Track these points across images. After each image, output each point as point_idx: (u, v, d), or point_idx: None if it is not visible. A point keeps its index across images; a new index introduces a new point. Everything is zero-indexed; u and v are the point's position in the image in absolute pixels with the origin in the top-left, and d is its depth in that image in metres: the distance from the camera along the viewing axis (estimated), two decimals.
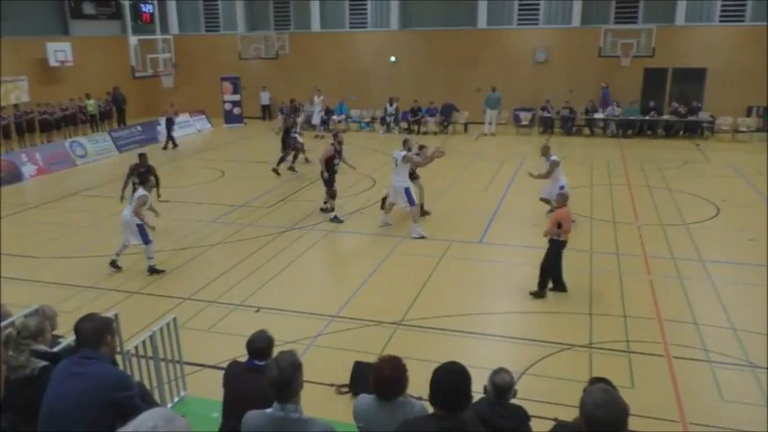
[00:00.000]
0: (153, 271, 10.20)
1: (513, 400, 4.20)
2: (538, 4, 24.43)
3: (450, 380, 3.11)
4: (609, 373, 5.07)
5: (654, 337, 7.80)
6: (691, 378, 6.93)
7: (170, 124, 21.61)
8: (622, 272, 9.92)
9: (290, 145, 17.18)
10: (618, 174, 16.61)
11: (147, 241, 10.11)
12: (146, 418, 1.60)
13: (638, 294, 9.07)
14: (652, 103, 22.43)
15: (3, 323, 5.24)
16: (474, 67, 24.56)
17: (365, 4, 26.17)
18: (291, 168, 17.24)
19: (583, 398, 2.80)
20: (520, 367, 6.98)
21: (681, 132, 22.15)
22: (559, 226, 8.78)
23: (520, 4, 24.58)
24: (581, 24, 23.79)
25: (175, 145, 21.63)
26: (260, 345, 4.26)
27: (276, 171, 16.85)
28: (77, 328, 3.75)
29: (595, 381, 3.88)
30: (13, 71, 21.61)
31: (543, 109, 23.33)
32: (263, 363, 4.18)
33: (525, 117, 23.70)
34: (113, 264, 10.35)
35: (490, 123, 22.89)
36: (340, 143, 13.05)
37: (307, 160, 17.87)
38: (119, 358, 5.03)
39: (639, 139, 22.03)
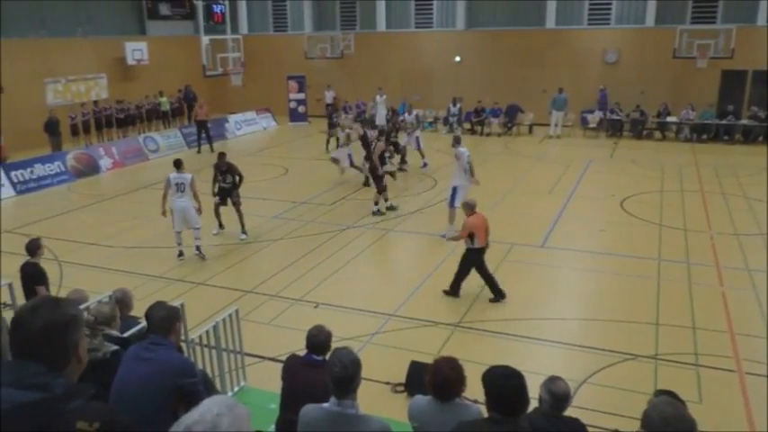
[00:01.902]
0: (201, 251, 10.81)
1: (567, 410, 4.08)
2: (610, 4, 23.74)
3: (510, 383, 3.07)
4: (675, 386, 4.86)
5: (725, 350, 7.45)
6: (764, 395, 6.56)
7: (202, 128, 20.75)
8: (693, 282, 9.51)
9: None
10: (690, 180, 15.93)
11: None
12: (210, 406, 1.63)
13: (709, 306, 8.67)
14: (730, 107, 21.38)
15: (87, 304, 5.54)
16: (541, 68, 24.10)
17: (431, 4, 26.12)
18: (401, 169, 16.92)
19: (648, 411, 2.70)
20: (580, 376, 6.80)
21: (760, 138, 21.00)
22: (471, 236, 8.60)
23: (591, 4, 23.95)
24: (655, 24, 22.96)
25: (212, 148, 20.01)
26: (320, 340, 4.32)
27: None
28: (148, 315, 3.92)
29: (661, 393, 3.73)
30: (94, 69, 22.74)
31: (612, 111, 22.64)
32: (320, 358, 4.24)
33: (593, 119, 23.06)
34: (198, 249, 10.89)
35: (556, 125, 22.37)
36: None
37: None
38: (183, 346, 5.21)
39: (715, 144, 21.05)
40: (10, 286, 6.03)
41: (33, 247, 7.35)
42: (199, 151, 20.65)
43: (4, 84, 20.25)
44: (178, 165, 10.75)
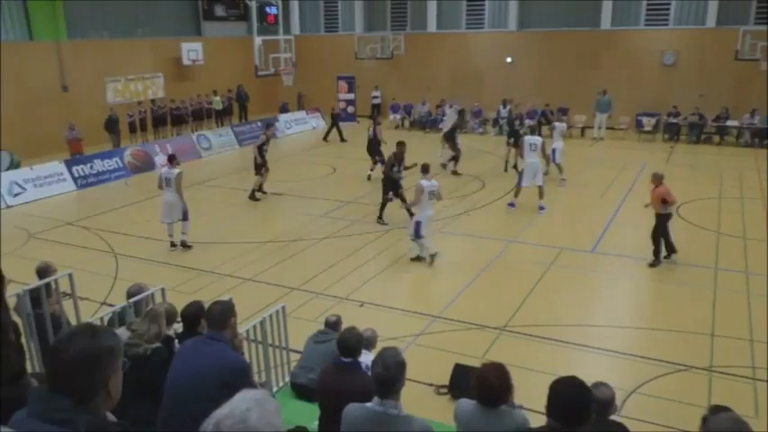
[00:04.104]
0: (185, 246, 11.35)
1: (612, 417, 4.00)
2: (668, 4, 23.02)
3: (576, 394, 3.06)
4: (730, 399, 4.69)
5: None
6: None
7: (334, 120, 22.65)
8: (751, 292, 9.12)
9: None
10: (751, 186, 15.30)
11: (186, 218, 11.28)
12: (240, 401, 1.65)
13: None
14: None
15: (140, 296, 5.73)
16: (594, 69, 23.56)
17: (483, 5, 25.88)
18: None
19: (706, 427, 2.62)
20: (629, 385, 6.63)
21: None
22: None
23: (648, 4, 23.27)
24: (716, 25, 22.15)
25: (342, 137, 22.51)
26: (350, 343, 4.34)
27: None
28: (207, 311, 4.04)
29: (717, 410, 3.61)
30: (151, 68, 23.46)
31: (669, 115, 21.94)
32: (349, 360, 4.26)
33: (648, 122, 22.41)
34: (173, 244, 11.39)
35: (600, 128, 21.95)
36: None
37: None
38: None
39: None
40: (70, 276, 6.26)
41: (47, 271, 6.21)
42: (325, 139, 22.72)
43: (68, 83, 21.14)
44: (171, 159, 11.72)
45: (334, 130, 22.67)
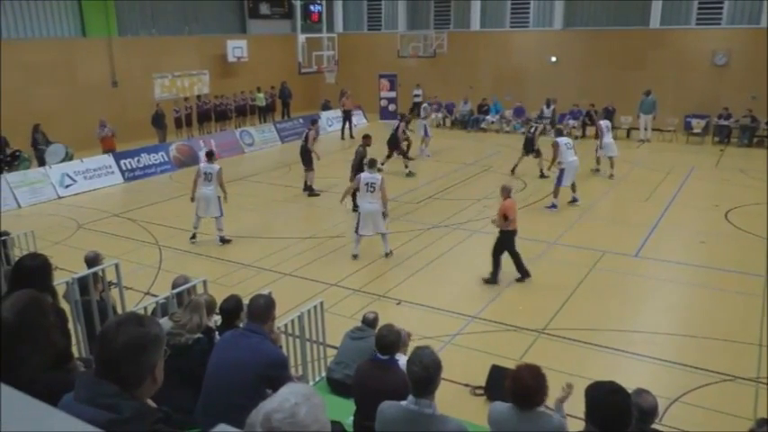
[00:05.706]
0: (223, 241, 11.45)
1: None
2: (721, 3, 22.28)
3: (614, 399, 3.00)
4: None
5: None
6: None
7: (347, 117, 23.55)
8: None
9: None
10: None
11: (222, 213, 11.38)
12: (287, 395, 1.66)
13: None
14: None
15: (182, 287, 5.86)
16: (642, 69, 22.99)
17: (528, 4, 25.53)
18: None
19: None
20: (671, 393, 6.46)
21: None
22: None
23: (700, 3, 22.56)
24: None
25: (352, 135, 23.07)
26: (389, 340, 4.36)
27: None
28: (250, 303, 4.11)
29: (764, 423, 3.49)
30: (197, 65, 23.95)
31: (720, 116, 21.25)
32: (386, 357, 4.28)
33: (698, 125, 21.76)
34: (194, 237, 11.55)
35: (645, 129, 21.44)
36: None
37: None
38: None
39: None
40: (116, 266, 6.44)
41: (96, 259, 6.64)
42: (342, 137, 23.12)
43: (118, 78, 21.76)
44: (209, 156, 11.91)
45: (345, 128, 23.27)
